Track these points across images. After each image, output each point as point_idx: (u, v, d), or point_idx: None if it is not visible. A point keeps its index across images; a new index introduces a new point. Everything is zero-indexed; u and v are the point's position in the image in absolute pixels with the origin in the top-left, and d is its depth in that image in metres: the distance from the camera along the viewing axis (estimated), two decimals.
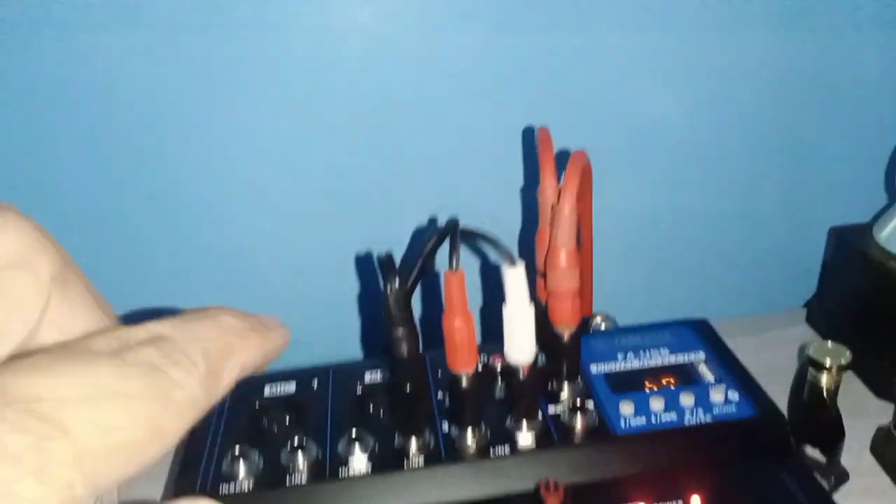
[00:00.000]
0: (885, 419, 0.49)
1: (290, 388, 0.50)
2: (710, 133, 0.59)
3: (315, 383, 0.50)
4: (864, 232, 0.58)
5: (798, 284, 0.65)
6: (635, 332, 0.51)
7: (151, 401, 0.15)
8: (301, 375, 0.51)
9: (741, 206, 0.63)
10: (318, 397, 0.48)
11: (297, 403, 0.48)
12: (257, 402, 0.48)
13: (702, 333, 0.50)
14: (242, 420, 0.47)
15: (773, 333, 0.59)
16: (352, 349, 0.63)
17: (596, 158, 0.45)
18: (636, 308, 0.60)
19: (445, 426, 0.43)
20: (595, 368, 0.47)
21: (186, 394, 0.16)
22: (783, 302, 0.65)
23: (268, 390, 0.50)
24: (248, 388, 0.50)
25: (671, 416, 0.42)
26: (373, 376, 0.50)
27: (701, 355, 0.48)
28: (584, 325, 0.53)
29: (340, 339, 0.63)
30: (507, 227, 0.42)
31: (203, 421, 0.46)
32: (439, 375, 0.48)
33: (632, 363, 0.48)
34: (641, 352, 0.49)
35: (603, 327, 0.55)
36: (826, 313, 0.58)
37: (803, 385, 0.48)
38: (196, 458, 0.43)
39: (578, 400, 0.43)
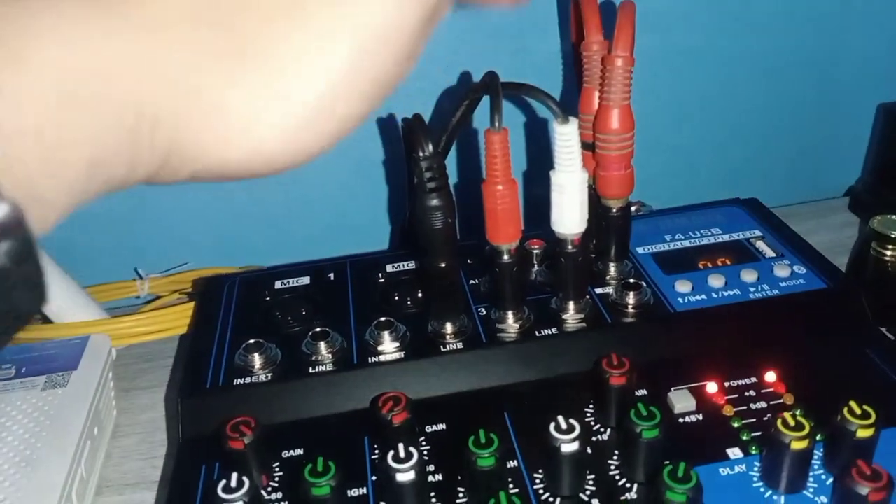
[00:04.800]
0: None
1: (303, 281, 0.45)
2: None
3: (332, 276, 0.45)
4: None
5: (838, 172, 0.61)
6: (680, 214, 0.46)
7: None
8: (315, 269, 0.46)
9: (774, 84, 0.57)
10: (335, 289, 0.44)
11: (312, 295, 0.43)
12: (268, 295, 0.44)
13: (754, 211, 0.46)
14: (253, 314, 0.42)
15: (815, 222, 0.55)
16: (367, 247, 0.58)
17: None
18: (662, 197, 0.55)
19: (482, 311, 0.39)
20: (642, 250, 0.43)
21: None
22: (822, 191, 0.61)
23: (279, 285, 0.45)
24: (255, 284, 0.45)
25: (734, 293, 0.38)
26: (395, 266, 0.45)
27: (757, 232, 0.43)
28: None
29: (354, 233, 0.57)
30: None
31: (207, 319, 0.40)
32: (468, 262, 0.44)
33: (681, 244, 0.43)
34: (690, 232, 0.44)
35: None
36: (874, 196, 0.54)
37: (863, 266, 0.44)
38: (204, 354, 0.39)
39: (630, 279, 0.39)
